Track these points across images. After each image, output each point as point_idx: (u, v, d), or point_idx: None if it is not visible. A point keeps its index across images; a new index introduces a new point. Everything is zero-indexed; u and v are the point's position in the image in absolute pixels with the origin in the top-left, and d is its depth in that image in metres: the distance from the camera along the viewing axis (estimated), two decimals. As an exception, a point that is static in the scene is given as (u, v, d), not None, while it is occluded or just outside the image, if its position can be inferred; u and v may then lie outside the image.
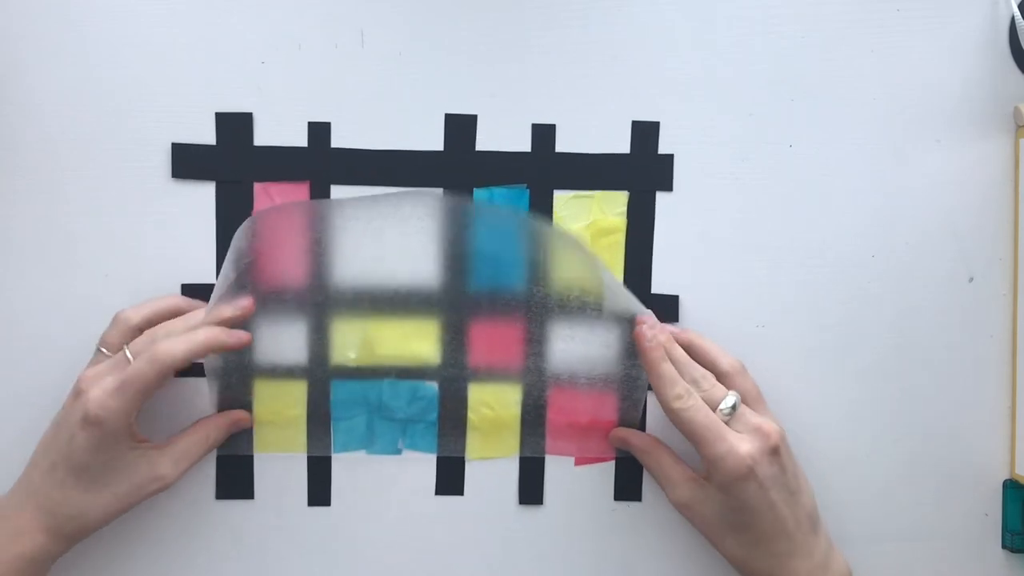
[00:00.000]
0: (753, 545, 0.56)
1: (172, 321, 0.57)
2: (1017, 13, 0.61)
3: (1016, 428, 0.62)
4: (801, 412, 0.62)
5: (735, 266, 0.62)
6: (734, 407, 0.56)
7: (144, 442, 0.57)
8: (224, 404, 0.61)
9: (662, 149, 0.62)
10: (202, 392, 0.61)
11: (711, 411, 0.55)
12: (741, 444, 0.54)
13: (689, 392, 0.56)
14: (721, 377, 0.58)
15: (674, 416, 0.56)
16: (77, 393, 0.55)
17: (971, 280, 0.62)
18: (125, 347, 0.56)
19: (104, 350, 0.57)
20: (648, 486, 0.62)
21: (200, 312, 0.58)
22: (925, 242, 0.62)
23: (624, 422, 0.62)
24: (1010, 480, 0.62)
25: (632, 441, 0.61)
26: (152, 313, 0.58)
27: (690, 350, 0.59)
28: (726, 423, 0.56)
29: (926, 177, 0.62)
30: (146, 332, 0.57)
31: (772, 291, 0.62)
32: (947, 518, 0.63)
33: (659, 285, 0.62)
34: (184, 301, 0.59)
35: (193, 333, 0.56)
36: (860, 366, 0.62)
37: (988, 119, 0.62)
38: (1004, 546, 0.63)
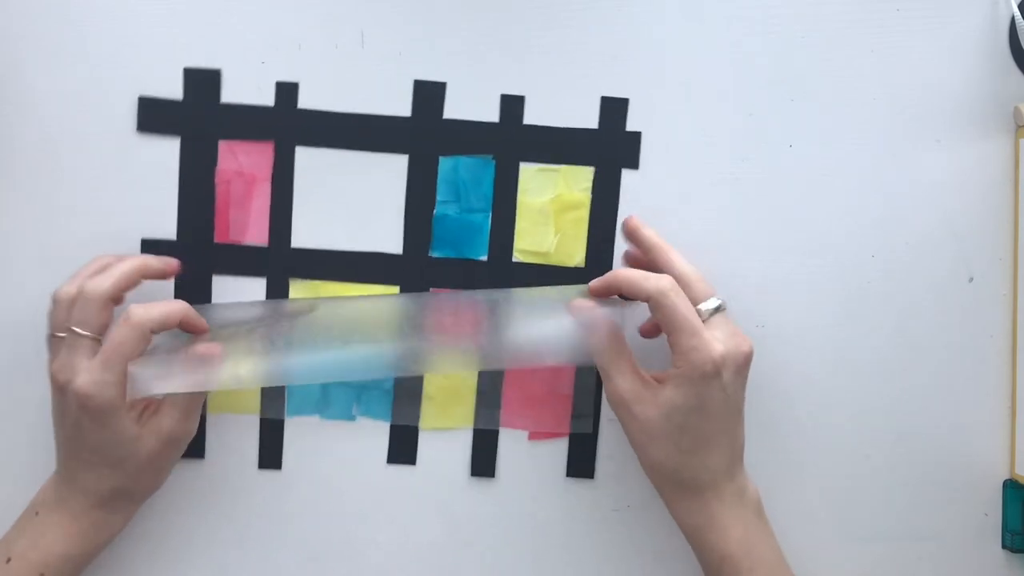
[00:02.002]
0: (688, 452, 0.55)
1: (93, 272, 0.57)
2: (1017, 13, 0.61)
3: (1016, 428, 0.62)
4: (801, 412, 0.62)
5: (733, 266, 0.62)
6: (717, 309, 0.56)
7: (150, 406, 0.57)
8: None
9: (631, 126, 0.61)
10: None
11: (692, 307, 0.55)
12: (714, 343, 0.54)
13: (674, 285, 0.55)
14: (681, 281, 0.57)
15: (656, 303, 0.54)
16: (60, 387, 0.55)
17: (971, 280, 0.62)
18: (76, 328, 0.55)
19: (61, 335, 0.56)
20: (600, 464, 0.62)
21: (125, 261, 0.57)
22: (925, 242, 0.62)
23: (579, 398, 0.61)
24: (1010, 480, 0.62)
25: (596, 317, 0.57)
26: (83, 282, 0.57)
27: (651, 252, 0.58)
28: (704, 322, 0.55)
29: (926, 177, 0.62)
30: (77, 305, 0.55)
31: (771, 291, 0.62)
32: (947, 518, 0.63)
33: (621, 263, 0.61)
34: (113, 258, 0.58)
35: (119, 272, 0.56)
36: (860, 366, 0.62)
37: (988, 119, 0.62)
38: (1004, 546, 0.63)
